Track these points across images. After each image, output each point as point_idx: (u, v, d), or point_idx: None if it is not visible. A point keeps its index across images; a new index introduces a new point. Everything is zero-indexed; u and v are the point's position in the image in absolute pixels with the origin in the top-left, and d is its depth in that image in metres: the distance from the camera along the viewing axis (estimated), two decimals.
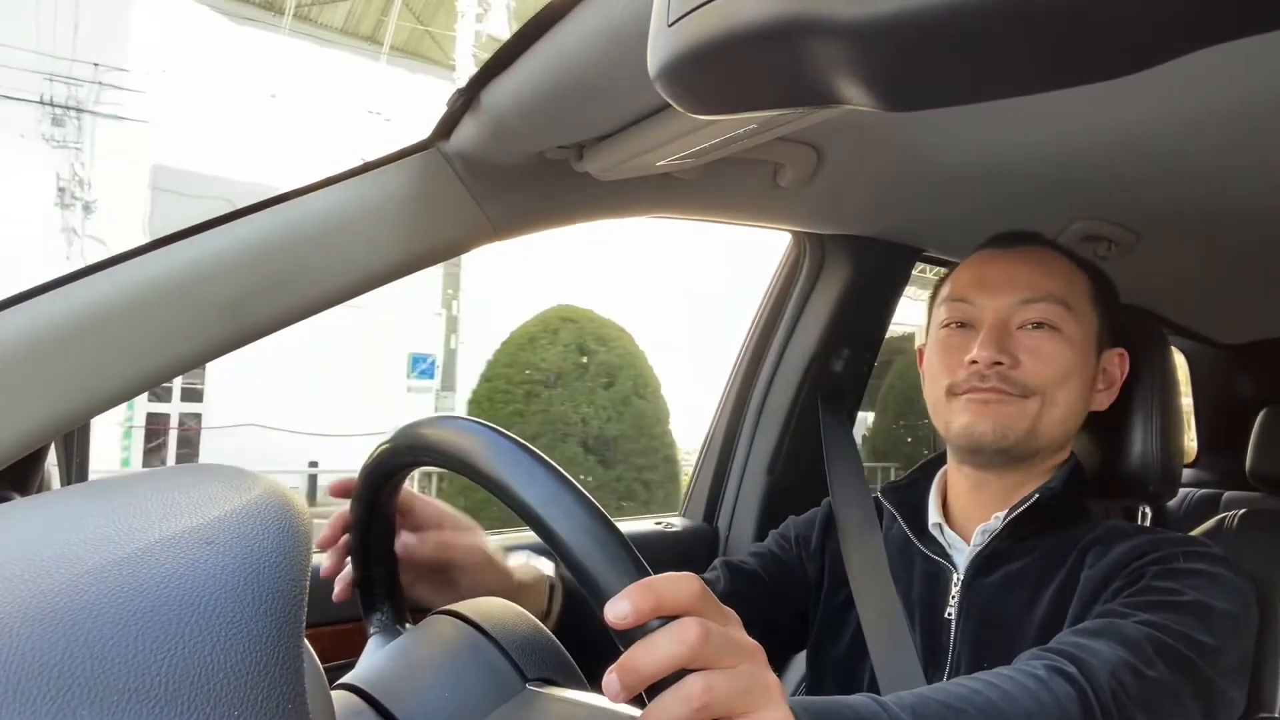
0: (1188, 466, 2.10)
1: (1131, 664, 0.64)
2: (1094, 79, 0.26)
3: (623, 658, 0.42)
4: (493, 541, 0.76)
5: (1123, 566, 0.76)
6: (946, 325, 0.87)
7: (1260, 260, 1.28)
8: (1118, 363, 0.88)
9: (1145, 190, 1.03)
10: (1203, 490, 1.85)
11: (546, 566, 0.81)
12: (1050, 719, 0.60)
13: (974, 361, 0.81)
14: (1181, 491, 1.81)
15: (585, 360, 5.71)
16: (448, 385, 11.35)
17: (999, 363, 0.80)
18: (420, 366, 11.12)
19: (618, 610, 0.42)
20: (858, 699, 0.56)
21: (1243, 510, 1.04)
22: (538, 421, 5.53)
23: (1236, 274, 1.35)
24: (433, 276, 11.44)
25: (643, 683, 0.42)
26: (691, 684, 0.42)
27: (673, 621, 0.43)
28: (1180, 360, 2.06)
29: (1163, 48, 0.24)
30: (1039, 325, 0.82)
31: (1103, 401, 0.87)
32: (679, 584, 0.43)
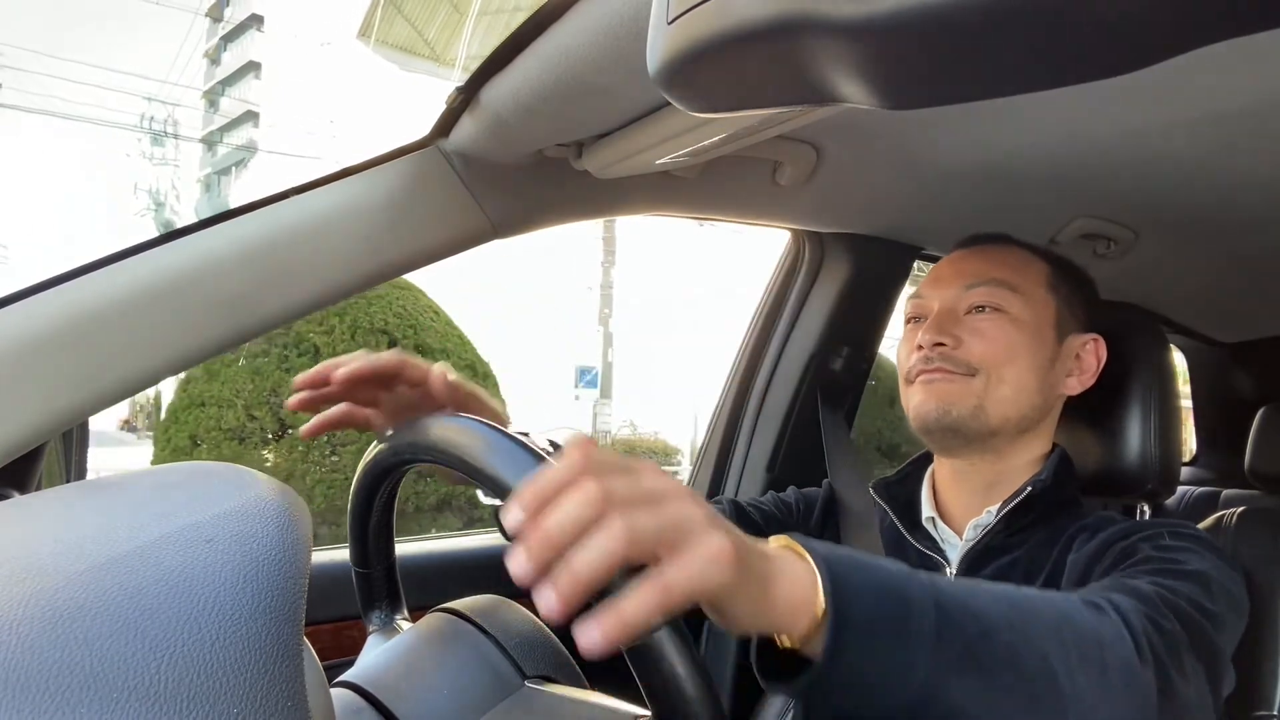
0: (1187, 465, 2.10)
1: (1150, 615, 0.63)
2: (1093, 77, 0.26)
3: (528, 533, 0.38)
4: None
5: (1110, 545, 0.75)
6: (908, 322, 0.91)
7: (1259, 259, 1.28)
8: (1092, 349, 0.88)
9: (1144, 189, 1.03)
10: (1201, 488, 1.85)
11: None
12: (1099, 636, 0.57)
13: (920, 347, 0.84)
14: (1180, 489, 1.81)
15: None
16: (605, 394, 12.62)
17: (941, 344, 0.83)
18: (586, 378, 12.45)
19: (510, 520, 0.38)
20: (888, 560, 0.52)
21: (1241, 508, 1.04)
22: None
23: (1235, 273, 1.35)
24: (590, 294, 13.09)
25: (556, 550, 0.37)
26: (610, 524, 0.38)
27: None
28: (1179, 359, 2.06)
29: (1161, 46, 0.24)
30: (982, 309, 0.85)
31: (1075, 386, 0.87)
32: (565, 461, 0.39)
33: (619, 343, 13.27)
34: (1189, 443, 2.13)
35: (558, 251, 13.22)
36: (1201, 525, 1.04)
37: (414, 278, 4.14)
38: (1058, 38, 0.25)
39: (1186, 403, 2.09)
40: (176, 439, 3.67)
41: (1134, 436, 0.92)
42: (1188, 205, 1.06)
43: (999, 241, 0.91)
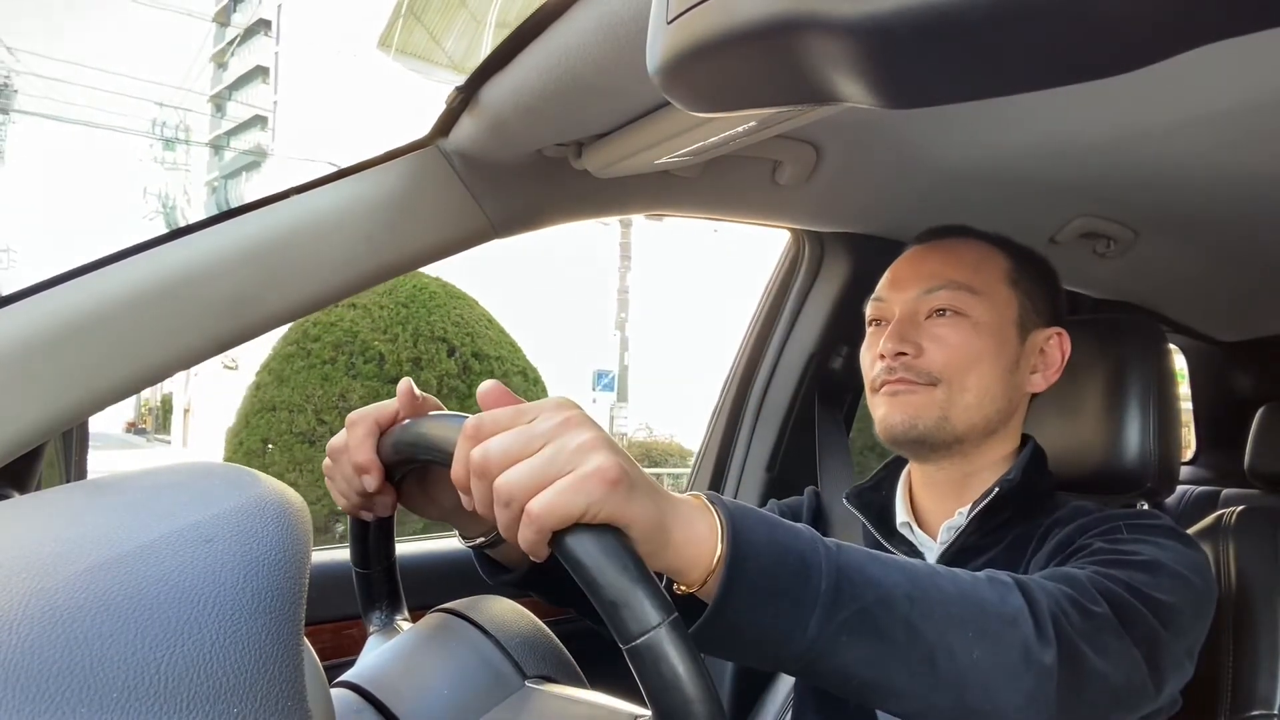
0: (1186, 464, 2.10)
1: (1074, 598, 0.62)
2: (1093, 76, 0.26)
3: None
4: None
5: (1070, 541, 0.75)
6: (869, 324, 0.91)
7: (1259, 258, 1.28)
8: (1056, 343, 0.87)
9: (1144, 188, 1.03)
10: (1201, 487, 1.85)
11: None
12: (1001, 614, 0.57)
13: (882, 355, 0.84)
14: (1180, 488, 1.81)
15: None
16: (621, 397, 12.93)
17: (903, 353, 0.83)
18: (603, 381, 12.79)
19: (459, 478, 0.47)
20: (801, 526, 0.53)
21: (1241, 507, 1.05)
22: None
23: (1235, 272, 1.35)
24: (607, 298, 13.46)
25: (487, 475, 0.45)
26: (498, 491, 0.44)
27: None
28: (1179, 358, 2.06)
29: (1161, 46, 0.24)
30: (942, 312, 0.84)
31: (1040, 384, 0.87)
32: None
33: (635, 346, 13.56)
34: (1189, 443, 2.13)
35: (574, 256, 13.33)
36: (1201, 524, 1.04)
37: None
38: (1058, 37, 0.25)
39: (1186, 403, 2.09)
40: (249, 442, 3.85)
41: (1133, 435, 0.92)
42: (1188, 205, 1.06)
43: (957, 234, 0.90)
